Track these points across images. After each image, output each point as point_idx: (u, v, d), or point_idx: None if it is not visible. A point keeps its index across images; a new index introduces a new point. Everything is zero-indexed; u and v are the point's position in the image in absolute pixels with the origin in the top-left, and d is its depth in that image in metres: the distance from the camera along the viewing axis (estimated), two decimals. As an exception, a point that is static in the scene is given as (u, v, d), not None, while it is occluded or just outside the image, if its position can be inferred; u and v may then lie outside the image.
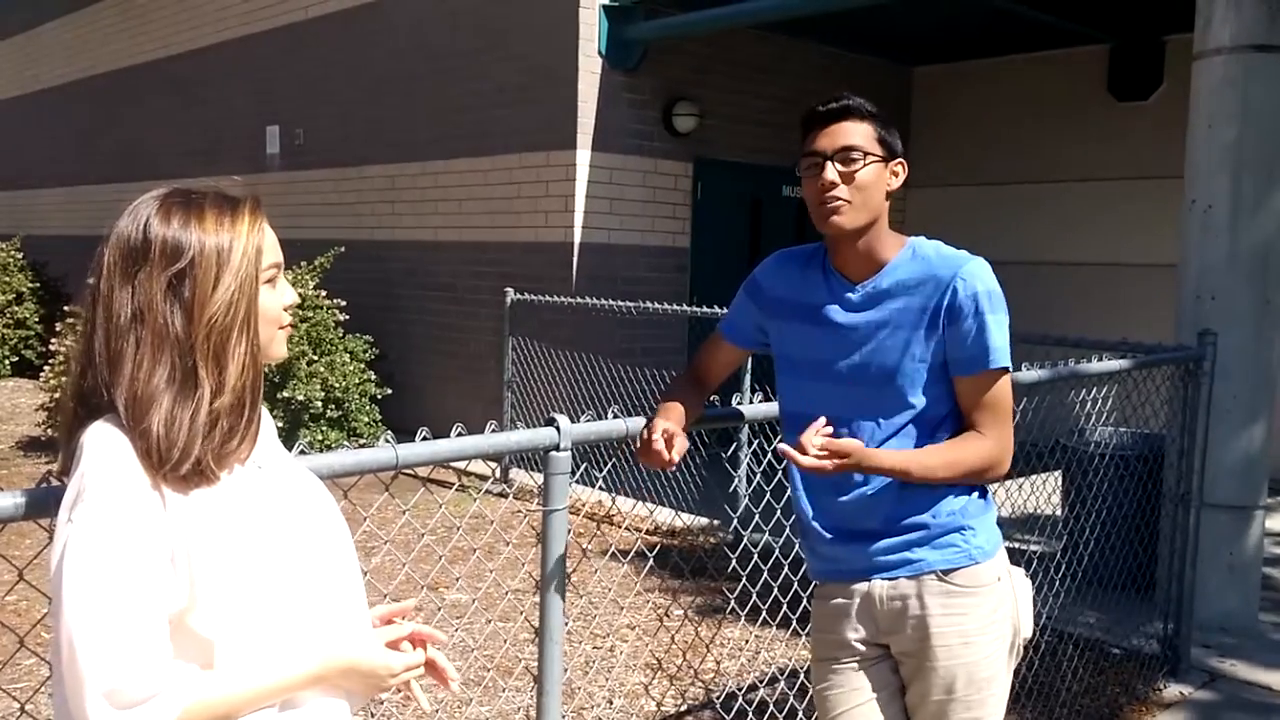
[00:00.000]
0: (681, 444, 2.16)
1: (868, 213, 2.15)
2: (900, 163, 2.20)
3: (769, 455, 2.35)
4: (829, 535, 2.27)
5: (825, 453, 2.04)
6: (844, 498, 2.20)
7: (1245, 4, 4.94)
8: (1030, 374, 3.48)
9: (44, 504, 1.59)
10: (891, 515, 2.18)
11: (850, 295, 2.20)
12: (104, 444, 1.32)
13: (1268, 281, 5.06)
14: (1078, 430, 5.39)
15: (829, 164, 2.12)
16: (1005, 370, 2.14)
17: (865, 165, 2.12)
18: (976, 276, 2.12)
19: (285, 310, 1.49)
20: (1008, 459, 2.17)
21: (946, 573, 2.17)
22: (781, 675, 3.74)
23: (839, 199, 2.12)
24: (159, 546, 1.29)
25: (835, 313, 2.21)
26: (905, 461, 2.11)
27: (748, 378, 6.26)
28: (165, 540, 1.30)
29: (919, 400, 2.15)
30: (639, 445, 2.22)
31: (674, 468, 2.18)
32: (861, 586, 2.23)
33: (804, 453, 2.03)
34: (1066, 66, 9.52)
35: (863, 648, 2.26)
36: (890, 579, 2.20)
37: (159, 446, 1.31)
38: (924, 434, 2.16)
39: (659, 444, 2.14)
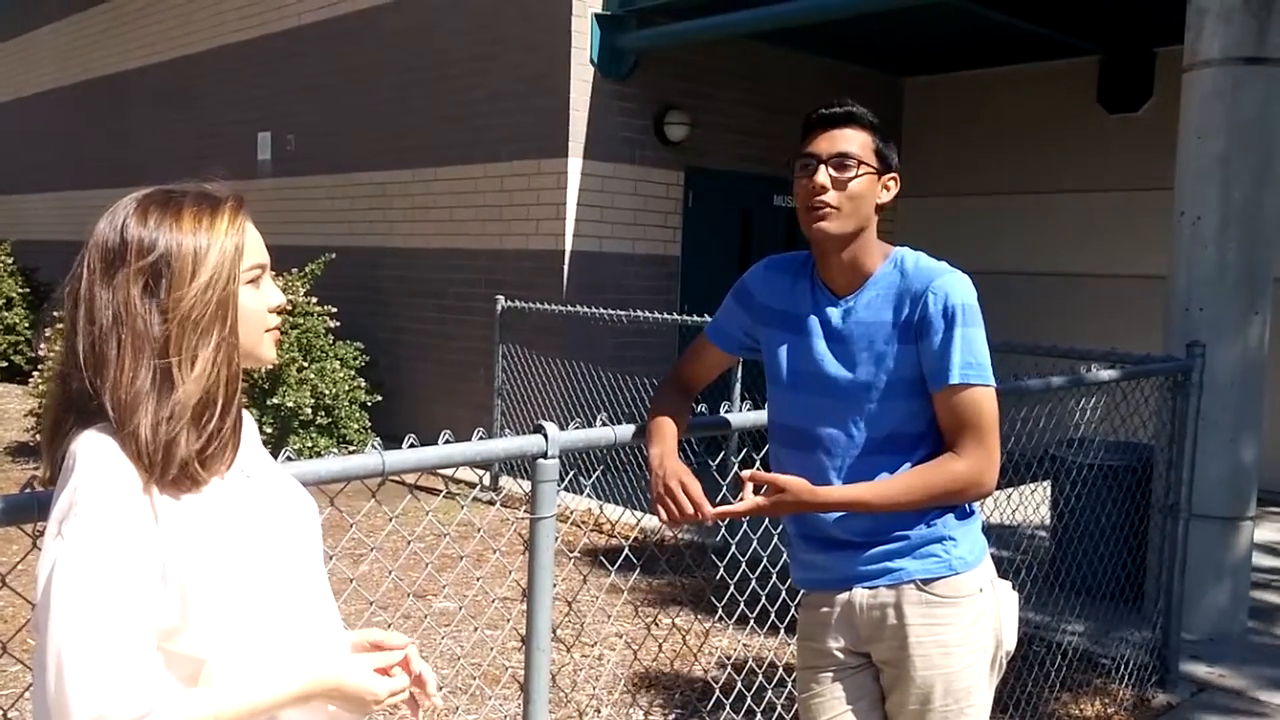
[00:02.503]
0: (697, 490, 2.15)
1: (855, 222, 2.14)
2: (894, 177, 2.19)
3: (758, 464, 2.34)
4: (813, 545, 2.26)
5: (762, 486, 2.06)
6: None
7: (1235, 17, 4.96)
8: (1018, 385, 3.48)
9: (26, 510, 1.58)
10: (873, 525, 2.17)
11: (833, 309, 2.20)
12: (97, 455, 1.29)
13: (1256, 293, 5.07)
14: (1067, 440, 5.39)
15: (823, 167, 2.11)
16: (979, 386, 2.10)
17: (859, 174, 2.12)
18: (949, 289, 2.10)
19: (271, 312, 1.47)
20: (989, 478, 2.12)
21: (926, 582, 2.16)
22: (769, 685, 3.73)
23: (827, 204, 2.11)
24: (151, 564, 1.27)
25: (816, 325, 2.21)
26: (862, 494, 2.10)
27: (738, 385, 6.25)
28: (157, 556, 1.28)
29: (895, 416, 2.14)
30: (658, 500, 2.18)
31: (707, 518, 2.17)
32: (843, 596, 2.23)
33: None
34: (1057, 78, 9.55)
35: (844, 656, 2.26)
36: (870, 588, 2.20)
37: (147, 450, 1.30)
38: (903, 449, 2.15)
39: (684, 501, 2.13)
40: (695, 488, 2.15)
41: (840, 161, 2.11)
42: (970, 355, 2.09)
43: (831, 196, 2.11)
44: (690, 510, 2.13)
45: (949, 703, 2.18)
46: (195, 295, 1.35)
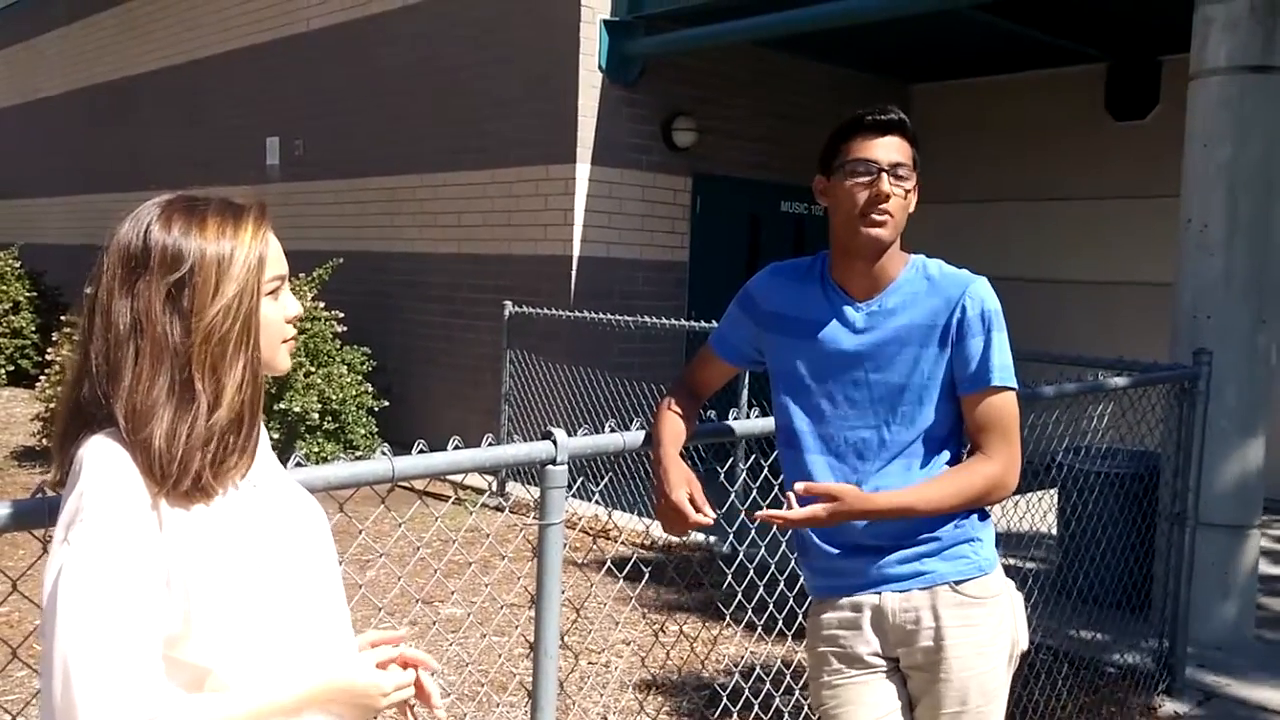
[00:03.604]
0: (700, 498, 2.18)
1: (900, 230, 2.17)
2: (918, 185, 2.21)
3: (764, 471, 2.34)
4: (835, 550, 2.23)
5: (812, 498, 2.05)
6: None
7: (1241, 25, 4.96)
8: (1027, 392, 3.48)
9: (36, 515, 1.58)
10: (901, 529, 2.16)
11: (854, 311, 2.19)
12: (104, 460, 1.28)
13: (1263, 300, 5.07)
14: (1074, 448, 5.39)
15: (885, 175, 2.11)
16: (1010, 388, 2.15)
17: (914, 185, 2.15)
18: (984, 295, 2.15)
19: (289, 322, 1.46)
20: (1014, 478, 2.16)
21: (959, 584, 2.17)
22: (777, 691, 3.73)
23: (889, 213, 2.12)
24: (156, 571, 1.27)
25: (838, 329, 2.20)
26: (909, 500, 2.10)
27: (745, 392, 6.25)
28: (162, 564, 1.28)
29: (925, 418, 2.15)
30: (660, 511, 2.21)
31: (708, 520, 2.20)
32: (872, 599, 2.21)
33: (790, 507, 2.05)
34: (1063, 85, 9.54)
35: (873, 661, 2.23)
36: (902, 591, 2.19)
37: (160, 461, 1.29)
38: (928, 452, 2.16)
39: (690, 510, 2.16)
40: (698, 493, 2.18)
41: (898, 170, 2.13)
42: (1004, 359, 2.14)
43: (893, 205, 2.12)
44: (695, 517, 2.16)
45: (981, 703, 2.18)
46: (220, 311, 1.34)
